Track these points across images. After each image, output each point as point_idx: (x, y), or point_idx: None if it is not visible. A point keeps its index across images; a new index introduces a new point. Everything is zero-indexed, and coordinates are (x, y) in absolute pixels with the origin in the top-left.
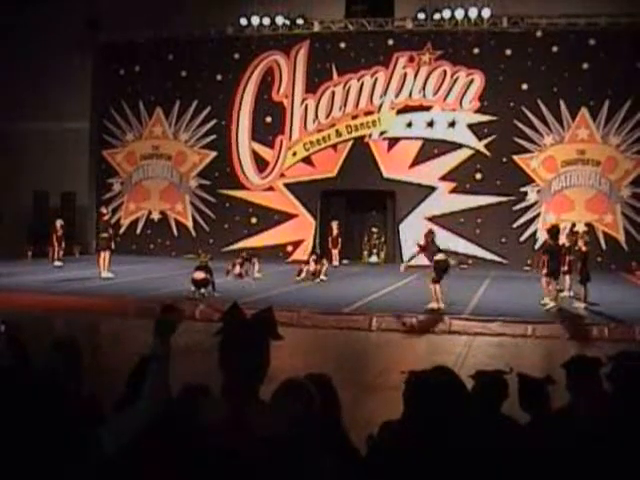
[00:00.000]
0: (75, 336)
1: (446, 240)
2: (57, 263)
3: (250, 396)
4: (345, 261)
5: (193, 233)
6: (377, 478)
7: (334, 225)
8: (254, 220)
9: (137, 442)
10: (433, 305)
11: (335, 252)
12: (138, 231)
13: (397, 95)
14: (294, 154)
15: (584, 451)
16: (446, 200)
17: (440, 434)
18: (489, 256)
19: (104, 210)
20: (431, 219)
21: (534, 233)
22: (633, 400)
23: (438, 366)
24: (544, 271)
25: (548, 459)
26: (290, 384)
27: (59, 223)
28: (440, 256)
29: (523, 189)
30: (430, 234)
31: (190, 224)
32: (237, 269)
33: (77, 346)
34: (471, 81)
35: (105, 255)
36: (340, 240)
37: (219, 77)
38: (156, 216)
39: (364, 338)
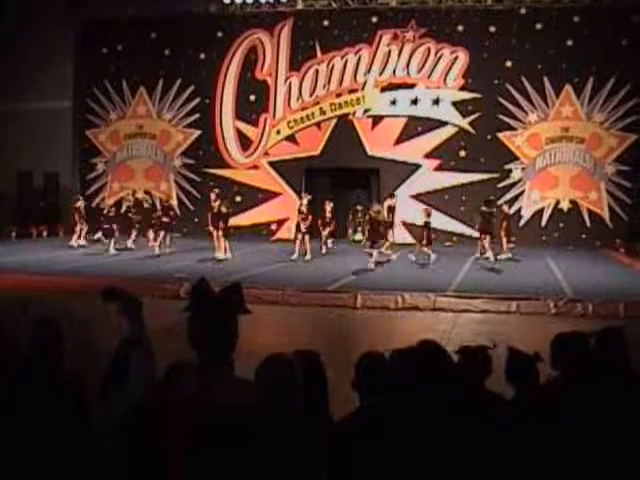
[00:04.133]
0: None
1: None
2: (81, 242)
3: (220, 370)
4: (330, 240)
5: (178, 212)
6: (357, 456)
7: (328, 207)
8: (238, 198)
9: (125, 423)
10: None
11: (324, 234)
12: (122, 211)
13: (381, 73)
14: (278, 132)
15: (568, 426)
16: (431, 178)
17: (423, 409)
18: (474, 234)
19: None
20: (416, 197)
21: (519, 210)
22: (616, 376)
23: (424, 340)
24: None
25: (532, 434)
26: (273, 358)
27: (82, 203)
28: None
29: (507, 166)
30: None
31: (175, 203)
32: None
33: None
34: (455, 58)
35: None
36: (332, 223)
37: (202, 55)
38: (141, 195)
39: (349, 316)
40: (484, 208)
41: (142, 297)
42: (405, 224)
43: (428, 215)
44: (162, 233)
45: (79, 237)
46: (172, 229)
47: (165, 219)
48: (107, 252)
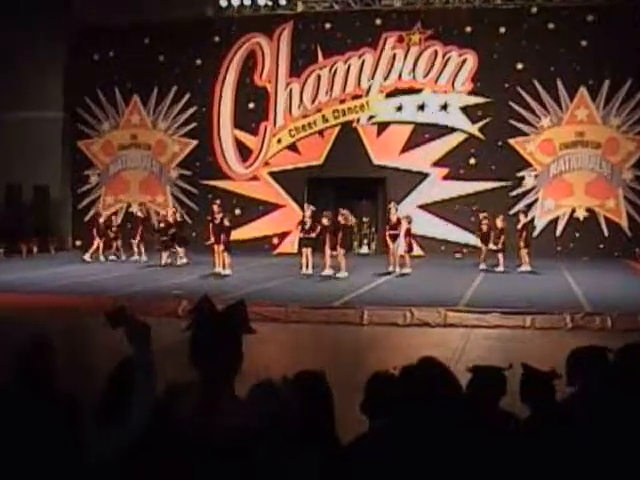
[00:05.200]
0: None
1: (438, 228)
2: (100, 257)
3: (223, 391)
4: (334, 253)
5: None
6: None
7: (324, 219)
8: (238, 211)
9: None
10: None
11: (327, 251)
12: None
13: (386, 77)
14: (279, 141)
15: (586, 446)
16: (439, 187)
17: (431, 432)
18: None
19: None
20: (424, 207)
21: (532, 219)
22: (637, 393)
23: (424, 357)
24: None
25: (549, 454)
26: (260, 386)
27: (104, 217)
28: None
29: (520, 174)
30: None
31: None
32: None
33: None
34: (464, 61)
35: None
36: (332, 236)
37: (198, 62)
38: (136, 209)
39: (355, 333)
40: (483, 215)
41: (137, 316)
42: (413, 236)
43: (409, 222)
44: (179, 248)
45: (96, 251)
46: (187, 244)
47: (179, 234)
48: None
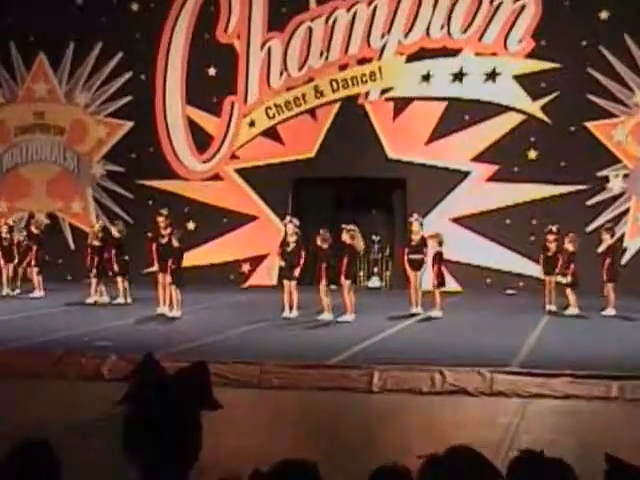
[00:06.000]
0: None
1: (481, 251)
2: (103, 298)
3: None
4: (332, 287)
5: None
6: None
7: (320, 239)
8: (192, 225)
9: None
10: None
11: (322, 287)
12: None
13: (407, 33)
14: (252, 124)
15: None
16: (483, 191)
17: None
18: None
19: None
20: (461, 221)
21: (621, 239)
22: None
23: (456, 447)
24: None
25: None
26: None
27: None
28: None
29: (602, 173)
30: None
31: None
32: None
33: None
34: (521, 8)
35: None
36: (332, 264)
37: (135, 6)
38: (42, 220)
39: (362, 403)
40: (550, 230)
41: (44, 376)
42: (445, 263)
43: (440, 243)
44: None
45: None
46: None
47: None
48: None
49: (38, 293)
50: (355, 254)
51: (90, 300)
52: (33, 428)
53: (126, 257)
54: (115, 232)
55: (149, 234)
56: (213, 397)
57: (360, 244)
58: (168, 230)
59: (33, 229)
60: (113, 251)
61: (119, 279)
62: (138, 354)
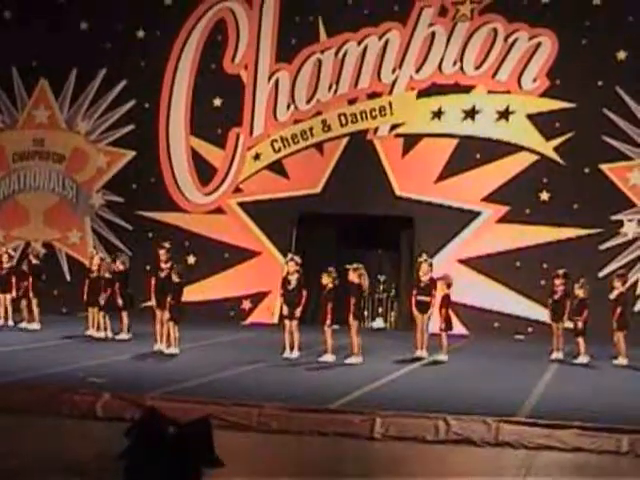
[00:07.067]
0: None
1: (489, 294)
2: (122, 336)
3: None
4: (335, 327)
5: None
6: None
7: (326, 277)
8: (192, 259)
9: None
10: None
11: (326, 326)
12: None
13: (419, 68)
14: (257, 157)
15: None
16: (494, 233)
17: None
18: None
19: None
20: (469, 262)
21: (634, 286)
22: None
23: None
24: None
25: None
26: None
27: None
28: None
29: (616, 217)
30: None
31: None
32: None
33: None
34: (537, 46)
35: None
36: (336, 303)
37: (140, 34)
38: (40, 249)
39: (363, 451)
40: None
41: (32, 414)
42: (453, 306)
43: (448, 286)
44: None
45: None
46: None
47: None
48: None
49: (37, 325)
50: (362, 294)
51: (89, 333)
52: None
53: (129, 291)
54: (120, 265)
55: (148, 267)
56: (215, 455)
57: (366, 283)
58: (168, 264)
59: (32, 258)
60: (117, 284)
61: (123, 314)
62: (133, 392)
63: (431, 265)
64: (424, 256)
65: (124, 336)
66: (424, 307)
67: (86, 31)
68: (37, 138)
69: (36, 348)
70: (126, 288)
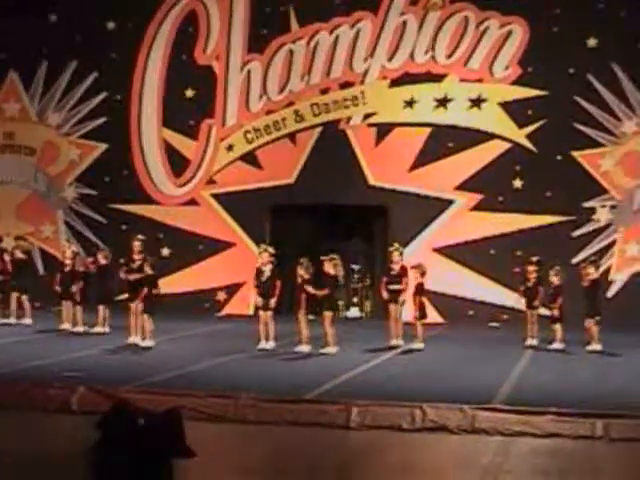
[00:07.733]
0: None
1: (464, 282)
2: (99, 329)
3: None
4: (310, 317)
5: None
6: None
7: (301, 269)
8: (166, 251)
9: None
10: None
11: (301, 316)
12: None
13: (391, 57)
14: (230, 149)
15: None
16: (467, 221)
17: None
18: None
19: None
20: (443, 251)
21: (606, 273)
22: None
23: None
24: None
25: None
26: None
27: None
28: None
29: (588, 204)
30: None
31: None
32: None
33: None
34: (508, 34)
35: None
36: (312, 294)
37: (111, 25)
38: (10, 244)
39: (339, 440)
40: (532, 268)
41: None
42: (427, 294)
43: (422, 274)
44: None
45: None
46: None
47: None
48: None
49: (29, 320)
50: (337, 284)
51: (63, 327)
52: None
53: (110, 285)
54: (102, 259)
55: (121, 260)
56: (186, 445)
57: (341, 273)
58: (140, 256)
59: (19, 254)
60: (104, 279)
61: (100, 307)
62: (108, 386)
63: (402, 253)
64: (395, 245)
65: (101, 329)
66: (395, 295)
67: (56, 23)
68: (7, 131)
69: (9, 343)
70: (108, 282)
